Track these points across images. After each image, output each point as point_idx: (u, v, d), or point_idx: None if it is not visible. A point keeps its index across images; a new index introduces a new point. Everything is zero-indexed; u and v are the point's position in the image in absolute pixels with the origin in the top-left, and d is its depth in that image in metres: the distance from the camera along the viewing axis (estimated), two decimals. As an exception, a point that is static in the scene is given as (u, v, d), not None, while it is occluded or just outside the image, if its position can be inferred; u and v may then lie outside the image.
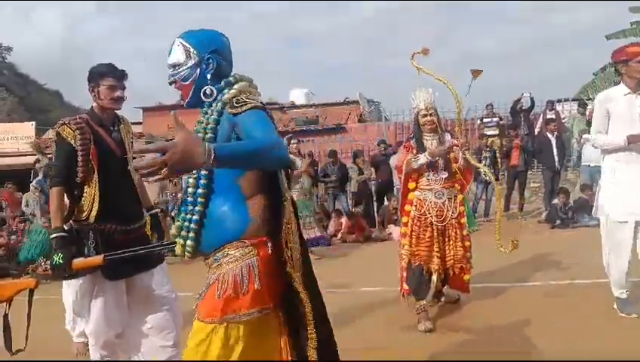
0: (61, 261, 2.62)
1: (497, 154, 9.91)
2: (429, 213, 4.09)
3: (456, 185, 4.22)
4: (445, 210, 4.10)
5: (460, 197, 4.20)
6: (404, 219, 4.25)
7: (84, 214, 2.82)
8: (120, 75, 2.94)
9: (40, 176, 7.74)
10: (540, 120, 12.14)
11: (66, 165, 2.82)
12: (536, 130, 12.07)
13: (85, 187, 2.83)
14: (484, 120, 12.35)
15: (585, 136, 9.96)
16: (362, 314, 4.43)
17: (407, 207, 4.25)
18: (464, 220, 4.19)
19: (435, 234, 4.07)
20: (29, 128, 18.50)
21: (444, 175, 4.19)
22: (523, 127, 11.80)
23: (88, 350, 3.44)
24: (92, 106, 2.97)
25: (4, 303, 2.54)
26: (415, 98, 4.30)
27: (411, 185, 4.24)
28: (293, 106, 19.08)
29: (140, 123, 19.55)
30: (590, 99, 13.78)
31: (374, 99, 19.15)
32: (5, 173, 14.29)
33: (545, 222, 9.09)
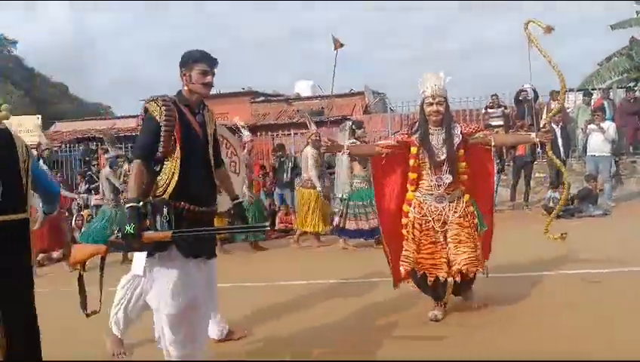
0: (132, 231, 2.66)
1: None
2: (429, 216, 3.76)
3: (461, 186, 3.82)
4: (445, 215, 3.75)
5: (466, 197, 3.80)
6: (404, 221, 3.87)
7: (160, 190, 2.86)
8: (213, 62, 3.01)
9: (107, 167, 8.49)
10: (545, 110, 12.12)
11: (149, 140, 2.88)
12: (542, 121, 12.06)
13: (165, 163, 2.89)
14: (489, 110, 12.35)
15: (590, 126, 9.96)
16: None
17: (405, 207, 3.89)
18: (476, 220, 3.78)
19: (441, 239, 3.74)
20: (34, 121, 18.57)
21: (449, 179, 3.75)
22: (527, 117, 11.81)
23: (124, 352, 3.55)
24: (180, 90, 3.03)
25: (80, 267, 2.80)
26: (422, 82, 3.79)
27: (410, 188, 3.87)
28: (299, 98, 19.09)
29: (146, 115, 19.59)
30: (595, 89, 13.75)
31: (379, 91, 19.14)
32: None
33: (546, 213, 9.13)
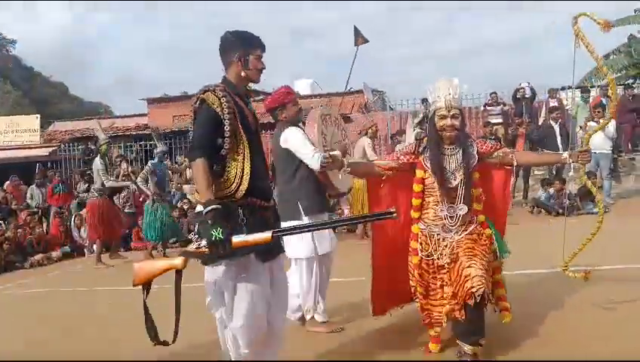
0: (221, 236, 2.33)
1: (502, 143, 9.93)
2: (439, 252, 3.15)
3: (479, 216, 3.24)
4: (455, 241, 3.15)
5: (480, 218, 3.23)
6: (415, 260, 3.24)
7: (230, 190, 2.57)
8: (265, 47, 2.76)
9: (155, 160, 8.76)
10: (544, 108, 12.13)
11: (210, 135, 2.55)
12: (541, 119, 12.07)
13: (228, 161, 2.58)
14: (488, 107, 12.36)
15: (590, 123, 9.97)
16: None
17: (413, 244, 3.27)
18: (495, 245, 3.24)
19: (446, 280, 3.13)
20: (33, 121, 18.55)
21: (463, 210, 3.16)
22: (525, 115, 11.83)
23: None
24: (225, 77, 2.74)
25: (142, 288, 2.39)
26: (433, 91, 3.21)
27: (414, 213, 3.30)
28: (298, 97, 19.07)
29: (145, 114, 19.59)
30: (594, 86, 13.75)
31: (379, 89, 19.13)
32: (9, 166, 14.37)
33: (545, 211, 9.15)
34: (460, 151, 3.18)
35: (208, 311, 2.71)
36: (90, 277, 7.71)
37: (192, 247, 2.45)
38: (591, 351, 3.06)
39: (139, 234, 10.05)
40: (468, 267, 3.01)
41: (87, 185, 11.50)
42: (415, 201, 3.28)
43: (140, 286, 2.38)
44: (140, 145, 15.42)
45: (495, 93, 12.49)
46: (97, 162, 8.19)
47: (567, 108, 12.38)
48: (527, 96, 12.35)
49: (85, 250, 10.15)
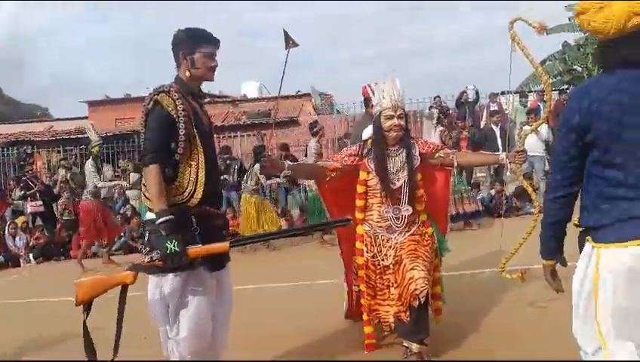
0: (177, 248, 2.26)
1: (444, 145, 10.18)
2: (384, 253, 3.20)
3: (421, 215, 3.30)
4: (398, 242, 3.19)
5: (423, 217, 3.30)
6: (359, 261, 3.29)
7: (183, 197, 2.45)
8: (216, 42, 2.61)
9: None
10: (485, 112, 12.54)
11: (164, 139, 2.44)
12: (482, 122, 12.46)
13: (181, 166, 2.47)
14: (433, 111, 12.65)
15: (525, 127, 10.38)
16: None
17: (358, 245, 3.29)
18: (436, 244, 3.31)
19: (392, 280, 3.19)
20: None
21: (408, 211, 3.19)
22: (468, 119, 12.18)
23: None
24: (178, 76, 2.61)
25: (83, 308, 2.28)
26: (377, 92, 3.25)
27: (358, 215, 3.31)
28: (245, 100, 18.94)
29: (86, 117, 18.92)
30: (531, 91, 14.33)
31: (326, 92, 19.24)
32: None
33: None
34: (404, 153, 3.19)
35: (154, 324, 2.62)
36: (26, 288, 7.39)
37: (142, 259, 2.34)
38: (527, 351, 3.15)
39: (79, 241, 9.68)
40: (411, 269, 3.07)
41: (22, 191, 10.99)
42: (359, 203, 3.29)
43: (84, 306, 2.26)
44: (81, 150, 14.86)
45: (439, 96, 12.78)
46: (89, 164, 7.99)
47: (506, 112, 12.83)
48: (470, 100, 12.72)
49: (21, 260, 9.71)
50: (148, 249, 2.39)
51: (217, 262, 2.56)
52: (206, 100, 2.92)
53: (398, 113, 3.14)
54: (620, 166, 1.78)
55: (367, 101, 4.05)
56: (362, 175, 3.27)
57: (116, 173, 8.59)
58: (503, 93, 13.59)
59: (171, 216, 2.33)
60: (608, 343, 1.77)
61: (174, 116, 2.42)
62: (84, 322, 2.29)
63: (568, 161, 1.90)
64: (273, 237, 2.92)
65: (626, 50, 1.76)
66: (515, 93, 14.07)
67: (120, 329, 2.32)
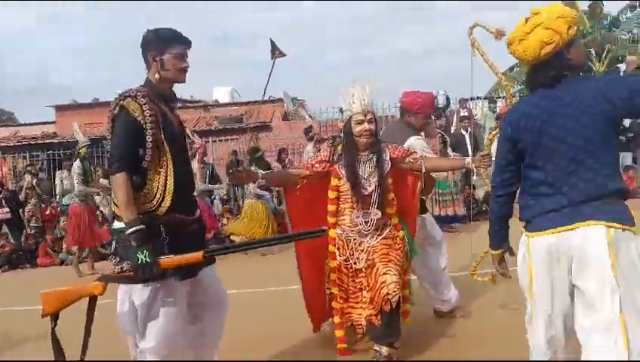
0: (147, 259, 2.21)
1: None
2: (356, 256, 3.23)
3: (392, 218, 3.34)
4: (371, 245, 3.24)
5: (394, 220, 3.33)
6: (331, 264, 3.31)
7: (151, 205, 2.39)
8: (187, 42, 2.54)
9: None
10: (455, 117, 12.74)
11: (131, 146, 2.37)
12: (453, 127, 12.66)
13: (150, 173, 2.40)
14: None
15: (493, 132, 10.59)
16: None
17: (331, 248, 3.31)
18: (407, 247, 3.35)
19: (365, 283, 3.23)
20: None
21: (377, 215, 3.22)
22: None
23: None
24: (148, 79, 2.53)
25: (50, 319, 2.23)
26: (346, 96, 3.20)
27: (330, 219, 3.31)
28: (217, 105, 18.80)
29: (53, 122, 18.50)
30: (500, 97, 14.64)
31: (299, 97, 19.25)
32: None
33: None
34: (374, 158, 3.20)
35: (123, 333, 2.59)
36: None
37: (112, 270, 2.29)
38: (497, 352, 3.20)
39: (46, 249, 9.47)
40: (384, 274, 3.11)
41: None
42: (331, 208, 3.31)
43: (51, 317, 2.22)
44: (48, 155, 14.53)
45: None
46: (76, 166, 7.80)
47: (476, 117, 13.06)
48: (440, 105, 12.89)
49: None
50: (117, 259, 2.34)
51: (190, 270, 2.50)
52: (178, 105, 2.86)
53: (368, 118, 3.14)
54: (541, 168, 2.14)
55: (402, 110, 3.99)
56: (334, 181, 3.28)
57: (29, 186, 8.40)
58: (472, 98, 13.84)
59: (142, 226, 2.29)
60: (535, 314, 2.16)
61: (141, 122, 2.36)
62: (53, 331, 2.24)
63: (506, 165, 2.27)
64: (249, 248, 2.88)
65: (541, 75, 2.15)
66: (484, 98, 14.36)
67: (87, 336, 2.29)
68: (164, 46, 2.47)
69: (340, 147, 3.30)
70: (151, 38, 2.50)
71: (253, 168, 7.42)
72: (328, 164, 3.30)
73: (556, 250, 2.07)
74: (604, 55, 20.38)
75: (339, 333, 3.34)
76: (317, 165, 3.33)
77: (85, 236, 7.84)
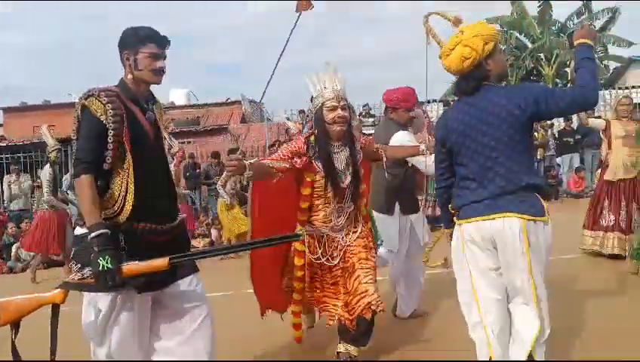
0: (110, 265, 2.10)
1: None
2: (328, 253, 3.13)
3: (362, 210, 3.26)
4: (345, 242, 3.14)
5: (363, 211, 3.29)
6: (298, 262, 3.16)
7: (112, 211, 2.28)
8: (164, 42, 2.42)
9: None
10: (412, 119, 12.95)
11: (95, 147, 2.25)
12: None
13: (113, 177, 2.30)
14: (362, 119, 12.93)
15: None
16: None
17: (299, 246, 3.15)
18: (372, 243, 3.28)
19: (340, 280, 3.16)
20: None
21: (351, 208, 3.12)
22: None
23: None
24: (122, 79, 2.43)
25: (11, 328, 2.13)
26: (316, 82, 2.99)
27: (302, 216, 3.12)
28: (173, 107, 18.51)
29: (0, 125, 17.80)
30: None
31: (256, 100, 19.17)
32: None
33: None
34: (347, 149, 3.04)
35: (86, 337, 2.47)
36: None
37: (73, 277, 2.20)
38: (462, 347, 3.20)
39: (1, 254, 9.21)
40: (366, 283, 3.04)
41: None
42: (304, 204, 3.09)
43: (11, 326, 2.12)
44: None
45: (367, 104, 13.08)
46: (46, 172, 7.40)
47: (432, 120, 13.30)
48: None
49: None
50: (79, 266, 2.24)
51: (149, 283, 2.32)
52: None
53: (341, 104, 2.93)
54: (465, 165, 2.49)
55: (387, 107, 4.01)
56: (309, 176, 3.02)
57: (36, 184, 8.09)
58: (428, 101, 14.11)
59: (105, 231, 2.18)
60: (478, 292, 2.46)
61: (104, 122, 2.25)
62: (13, 343, 2.16)
63: (440, 162, 2.65)
64: (216, 253, 2.74)
65: (464, 84, 2.51)
66: (439, 101, 14.66)
67: (54, 348, 2.20)
68: (139, 45, 2.37)
69: (311, 138, 3.06)
70: (127, 37, 2.40)
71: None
72: (306, 158, 3.01)
73: (480, 235, 2.41)
74: (553, 60, 21.18)
75: (295, 320, 3.31)
76: (296, 159, 3.01)
77: (45, 242, 7.50)
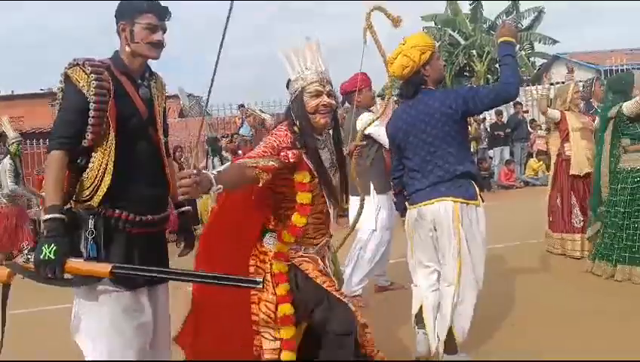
0: (52, 255, 1.88)
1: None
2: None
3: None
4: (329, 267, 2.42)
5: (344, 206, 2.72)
6: (278, 291, 2.24)
7: (87, 193, 2.07)
8: (163, 13, 2.20)
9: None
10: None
11: (73, 121, 2.05)
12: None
13: (93, 155, 2.09)
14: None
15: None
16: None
17: (277, 266, 2.26)
18: None
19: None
20: None
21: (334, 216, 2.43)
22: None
23: None
24: (117, 51, 2.22)
25: None
26: (296, 62, 2.31)
27: (289, 238, 2.28)
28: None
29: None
30: (392, 96, 15.28)
31: (195, 94, 18.78)
32: None
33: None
34: (331, 143, 2.45)
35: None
36: None
37: (21, 260, 2.01)
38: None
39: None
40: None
41: None
42: (301, 220, 2.29)
43: None
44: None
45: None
46: (6, 163, 7.04)
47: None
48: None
49: None
50: (30, 249, 2.10)
51: (135, 278, 2.09)
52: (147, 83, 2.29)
53: (327, 89, 2.29)
54: (411, 158, 2.94)
55: (351, 94, 4.08)
56: (302, 177, 2.27)
57: None
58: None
59: (59, 216, 1.97)
60: (416, 271, 3.05)
61: (85, 94, 2.05)
62: None
63: (393, 155, 3.18)
64: (163, 276, 2.05)
65: (406, 89, 2.95)
66: (378, 96, 14.90)
67: (3, 324, 2.05)
68: (135, 15, 2.16)
69: (295, 128, 2.31)
70: (123, 7, 2.20)
71: (215, 159, 7.00)
72: (297, 151, 2.25)
73: (423, 218, 2.89)
74: (484, 56, 22.02)
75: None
76: (289, 153, 2.21)
77: (10, 241, 7.15)
